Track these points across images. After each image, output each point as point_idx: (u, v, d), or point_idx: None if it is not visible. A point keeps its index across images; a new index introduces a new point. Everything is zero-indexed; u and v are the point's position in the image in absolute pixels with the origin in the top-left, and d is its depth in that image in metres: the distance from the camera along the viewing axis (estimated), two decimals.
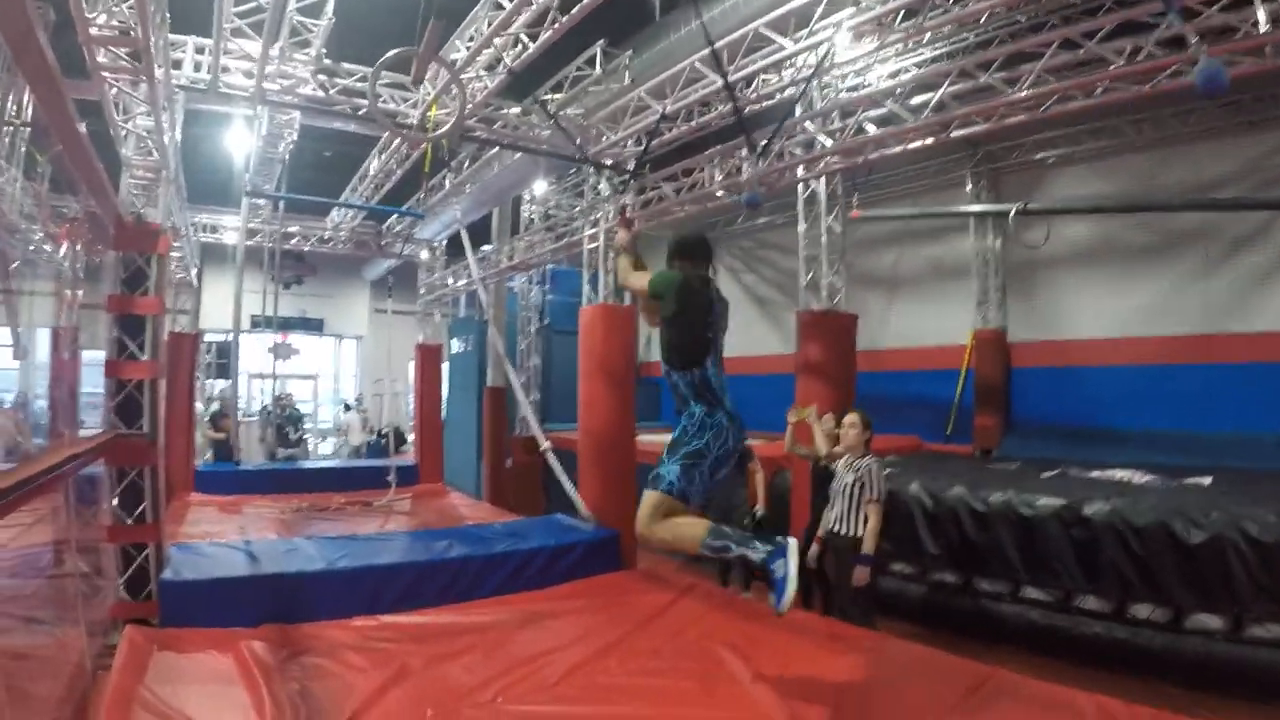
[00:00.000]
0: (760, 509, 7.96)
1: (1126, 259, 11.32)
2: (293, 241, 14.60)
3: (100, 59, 5.48)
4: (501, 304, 14.69)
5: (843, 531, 6.23)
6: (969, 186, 12.72)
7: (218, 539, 8.66)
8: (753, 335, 16.13)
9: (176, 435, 12.26)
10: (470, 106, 7.25)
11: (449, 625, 6.27)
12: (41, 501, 4.47)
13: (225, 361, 16.72)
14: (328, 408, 23.11)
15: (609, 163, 8.55)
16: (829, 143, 7.47)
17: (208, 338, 17.59)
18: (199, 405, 13.84)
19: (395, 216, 14.32)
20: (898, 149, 7.34)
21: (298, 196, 12.78)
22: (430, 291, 14.81)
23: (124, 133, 6.57)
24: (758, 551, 3.88)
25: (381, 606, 6.45)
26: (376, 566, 6.70)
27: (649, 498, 4.19)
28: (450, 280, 14.34)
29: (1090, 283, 11.68)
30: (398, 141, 10.16)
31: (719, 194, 8.18)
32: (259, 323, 21.85)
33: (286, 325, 21.60)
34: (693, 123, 7.73)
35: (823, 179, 8.44)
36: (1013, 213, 10.30)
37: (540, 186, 14.36)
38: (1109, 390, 11.40)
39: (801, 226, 8.64)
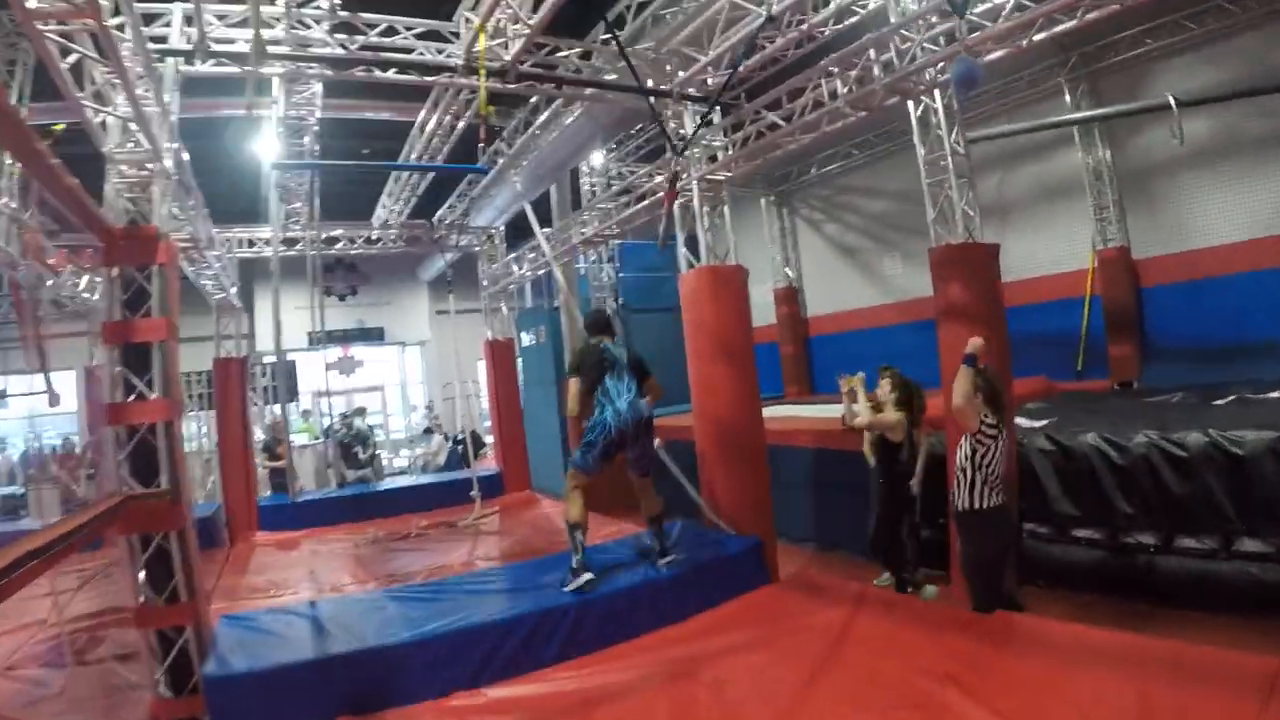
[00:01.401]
0: (915, 487, 6.64)
1: (1252, 151, 9.54)
2: (337, 246, 13.13)
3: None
4: (572, 287, 13.01)
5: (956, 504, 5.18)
6: (1067, 96, 10.86)
7: (284, 590, 7.61)
8: (840, 290, 14.45)
9: (234, 470, 11.05)
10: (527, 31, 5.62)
11: (579, 692, 4.72)
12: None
13: (287, 384, 15.18)
14: (398, 418, 21.73)
15: (693, 93, 6.79)
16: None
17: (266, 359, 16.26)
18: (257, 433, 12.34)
19: (447, 208, 12.76)
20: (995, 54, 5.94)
21: (335, 163, 11.22)
22: (494, 283, 13.17)
23: (100, 119, 4.97)
24: (576, 561, 5.62)
25: (487, 675, 4.90)
26: (476, 626, 5.08)
27: (569, 472, 6.04)
28: (515, 268, 12.63)
29: (1214, 183, 9.93)
30: (440, 110, 8.54)
31: (845, 109, 6.28)
32: (316, 339, 20.81)
33: (346, 338, 20.75)
34: (795, 30, 5.97)
35: (935, 93, 6.64)
36: (1174, 106, 8.63)
37: (597, 158, 12.77)
38: (1252, 299, 9.61)
39: (921, 151, 6.84)
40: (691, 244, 7.30)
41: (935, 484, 6.48)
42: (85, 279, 9.85)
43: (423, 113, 9.21)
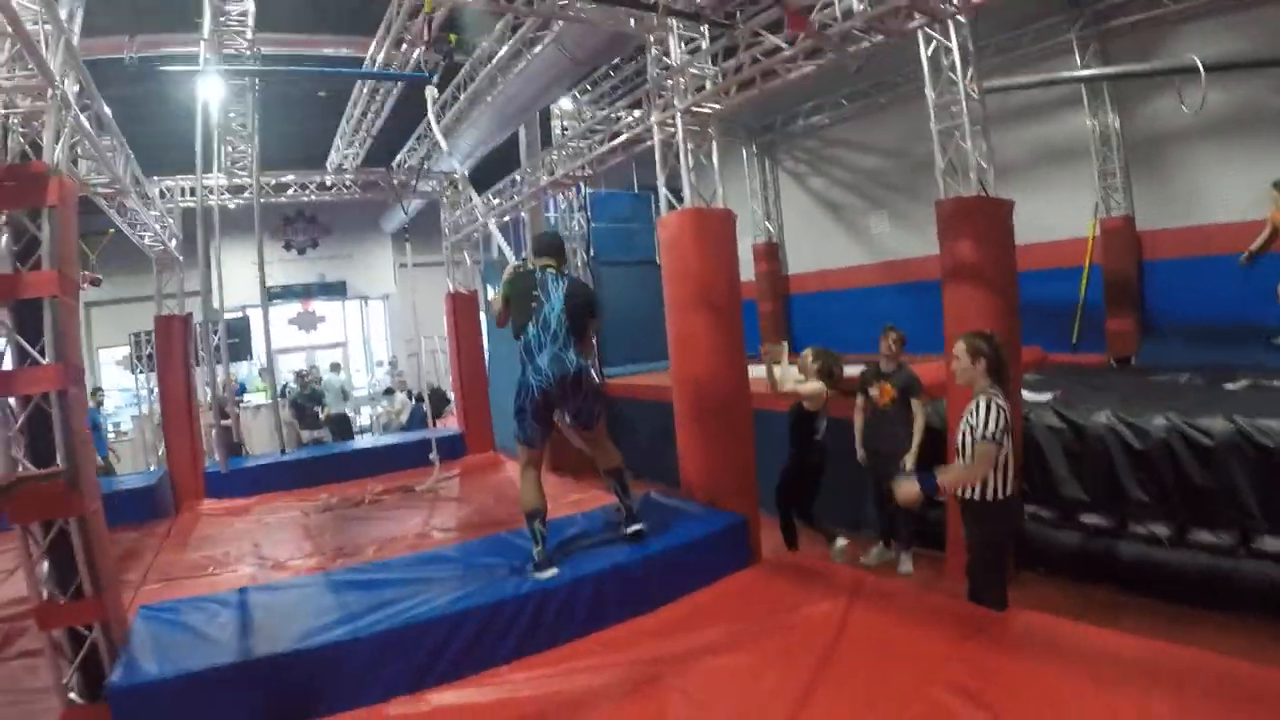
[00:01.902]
0: (909, 464, 5.99)
1: (1274, 126, 8.75)
2: (288, 193, 12.23)
3: None
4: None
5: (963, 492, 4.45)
6: (1076, 55, 10.06)
7: (224, 568, 7.04)
8: (824, 248, 13.64)
9: (178, 435, 10.29)
10: None
11: (535, 700, 4.05)
12: None
13: (237, 341, 14.35)
14: (362, 375, 20.99)
15: (681, 8, 5.94)
16: None
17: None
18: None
19: (406, 151, 11.93)
20: None
21: (273, 69, 9.74)
22: (456, 232, 12.32)
23: None
24: (537, 553, 4.96)
25: (433, 677, 4.23)
26: (421, 620, 4.35)
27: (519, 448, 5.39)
28: (478, 215, 11.76)
29: (1231, 157, 9.11)
30: (391, 41, 7.76)
31: (858, 31, 5.32)
32: (276, 294, 19.91)
33: (306, 293, 20.05)
34: None
35: (950, 27, 5.89)
36: (1201, 69, 7.99)
37: (567, 102, 11.94)
38: (1264, 280, 8.90)
39: (930, 94, 6.11)
40: (674, 184, 6.47)
41: (934, 460, 5.82)
42: None
43: (373, 45, 8.36)
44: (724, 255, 6.19)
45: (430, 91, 7.96)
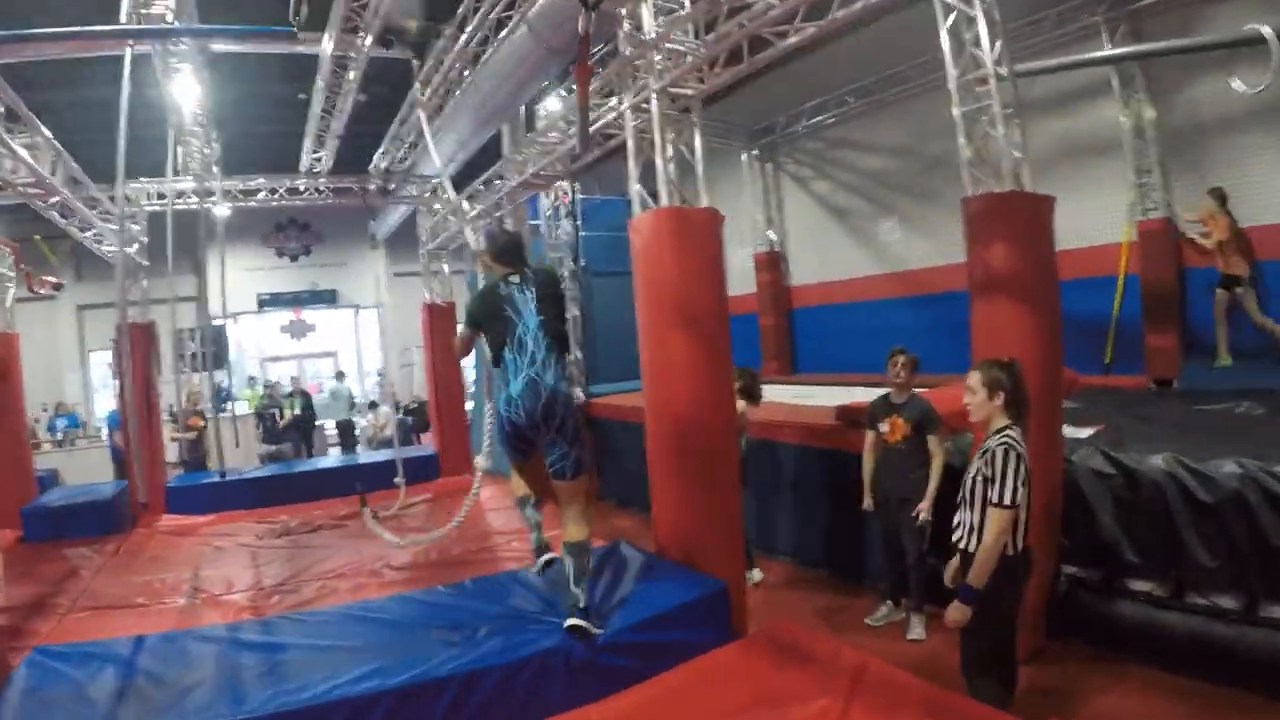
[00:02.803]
0: (924, 515, 5.13)
1: None
2: (258, 197, 11.40)
3: None
4: (526, 245, 11.20)
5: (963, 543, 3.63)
6: (1105, 38, 8.92)
7: (155, 600, 6.40)
8: (829, 257, 12.52)
9: (141, 443, 9.23)
10: None
11: None
12: None
13: (216, 350, 13.60)
14: (354, 384, 20.02)
15: None
16: None
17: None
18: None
19: (380, 154, 10.99)
20: None
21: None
22: (432, 238, 11.36)
23: None
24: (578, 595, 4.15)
25: None
26: (318, 703, 3.47)
27: None
28: (455, 219, 10.80)
29: None
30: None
31: None
32: (266, 301, 19.22)
33: (297, 301, 19.71)
34: None
35: (976, 1, 4.91)
36: (1272, 40, 6.78)
37: (554, 103, 10.95)
38: None
39: (952, 73, 5.08)
40: (649, 180, 5.43)
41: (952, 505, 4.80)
42: None
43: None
44: (708, 263, 5.11)
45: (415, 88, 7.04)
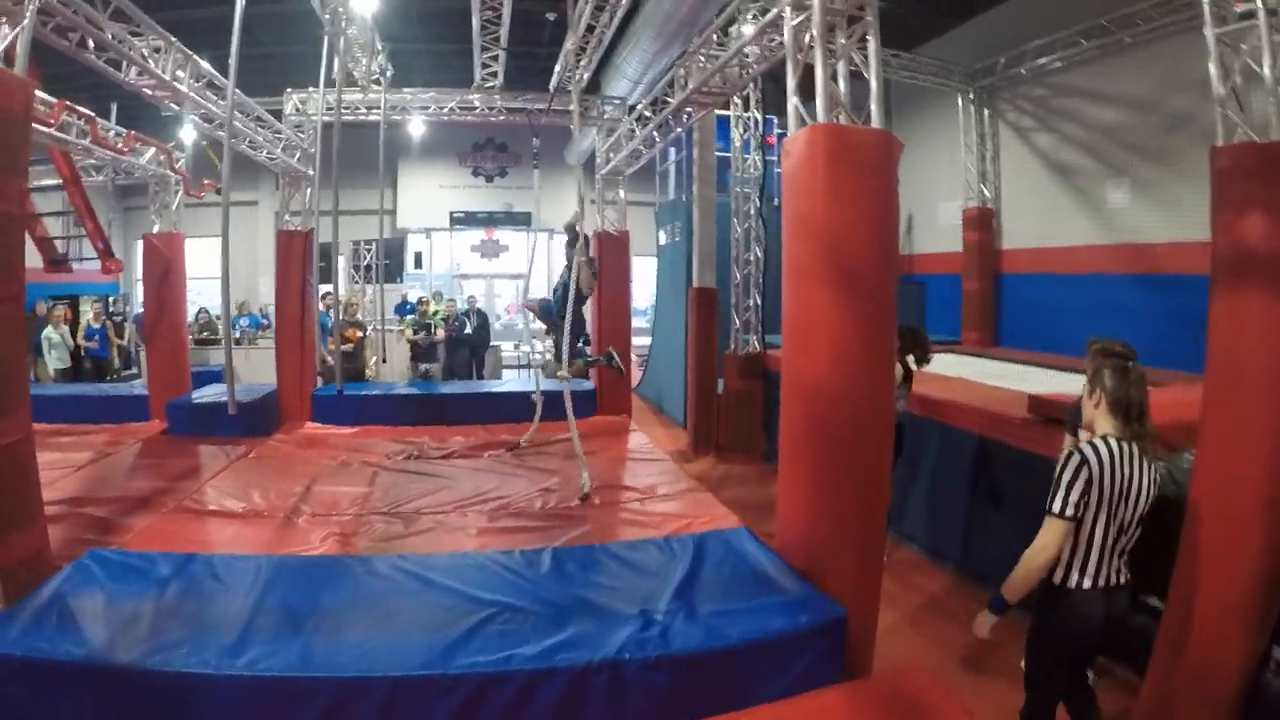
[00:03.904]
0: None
1: None
2: (427, 112, 10.84)
3: None
4: (708, 176, 10.18)
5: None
6: None
7: (254, 510, 5.98)
8: (1052, 220, 10.67)
9: (289, 353, 9.66)
10: None
11: None
12: None
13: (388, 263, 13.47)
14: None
15: None
16: None
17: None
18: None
19: (565, 72, 10.24)
20: None
21: None
22: (606, 163, 10.55)
23: None
24: None
25: None
26: (331, 680, 3.01)
27: None
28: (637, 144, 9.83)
29: None
30: None
31: None
32: (460, 219, 19.19)
33: (490, 221, 19.68)
34: None
35: None
36: None
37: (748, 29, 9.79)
38: None
39: None
40: (807, 91, 4.17)
41: (1164, 538, 3.50)
42: None
43: None
44: (876, 200, 3.86)
45: None
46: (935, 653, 4.59)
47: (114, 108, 8.20)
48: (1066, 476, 2.91)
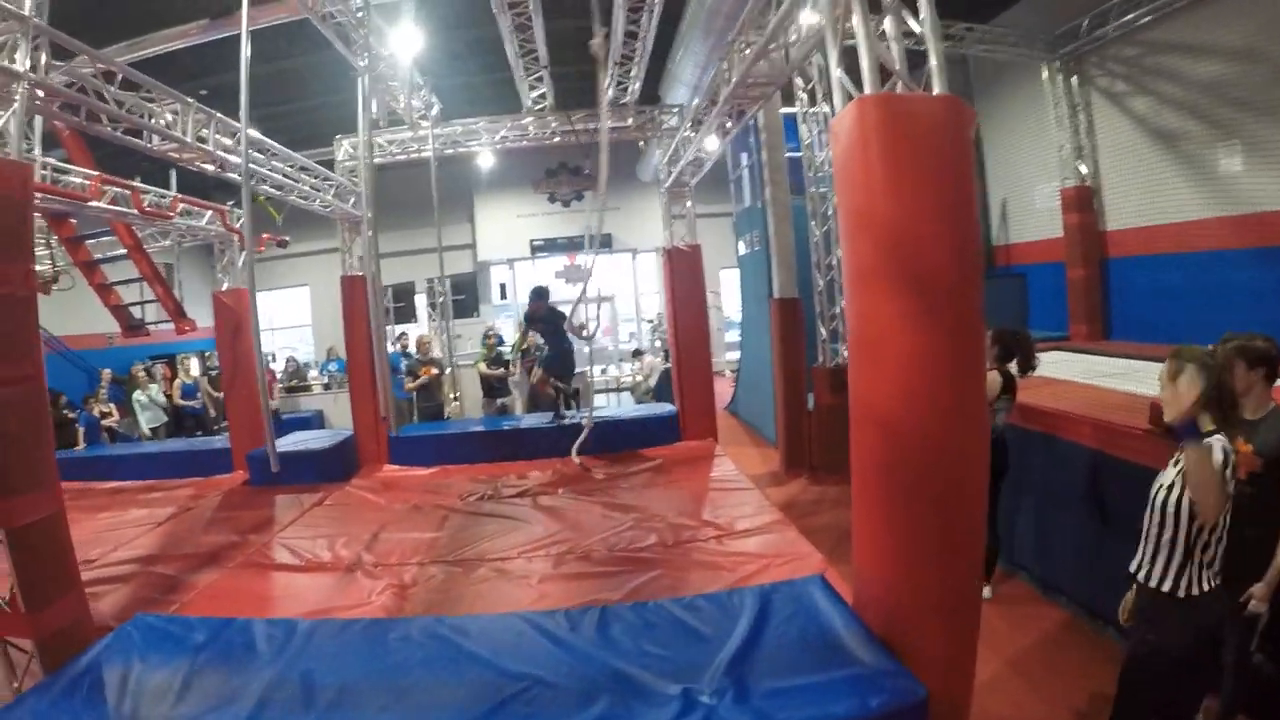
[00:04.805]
0: (1256, 601, 3.06)
1: None
2: (479, 140, 10.62)
3: None
4: (780, 178, 9.52)
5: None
6: None
7: (316, 563, 5.85)
8: (1160, 194, 9.56)
9: (361, 395, 9.55)
10: None
11: None
12: None
13: (462, 298, 13.24)
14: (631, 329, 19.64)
15: None
16: None
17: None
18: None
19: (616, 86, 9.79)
20: None
21: None
22: (668, 176, 9.98)
23: None
24: None
25: None
26: None
27: None
28: (684, 151, 9.19)
29: None
30: None
31: None
32: (540, 247, 18.95)
33: (570, 246, 19.02)
34: None
35: None
36: None
37: (809, 16, 9.13)
38: None
39: None
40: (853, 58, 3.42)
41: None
42: None
43: None
44: (943, 183, 3.14)
45: None
46: (1039, 709, 3.81)
47: (173, 174, 8.15)
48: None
